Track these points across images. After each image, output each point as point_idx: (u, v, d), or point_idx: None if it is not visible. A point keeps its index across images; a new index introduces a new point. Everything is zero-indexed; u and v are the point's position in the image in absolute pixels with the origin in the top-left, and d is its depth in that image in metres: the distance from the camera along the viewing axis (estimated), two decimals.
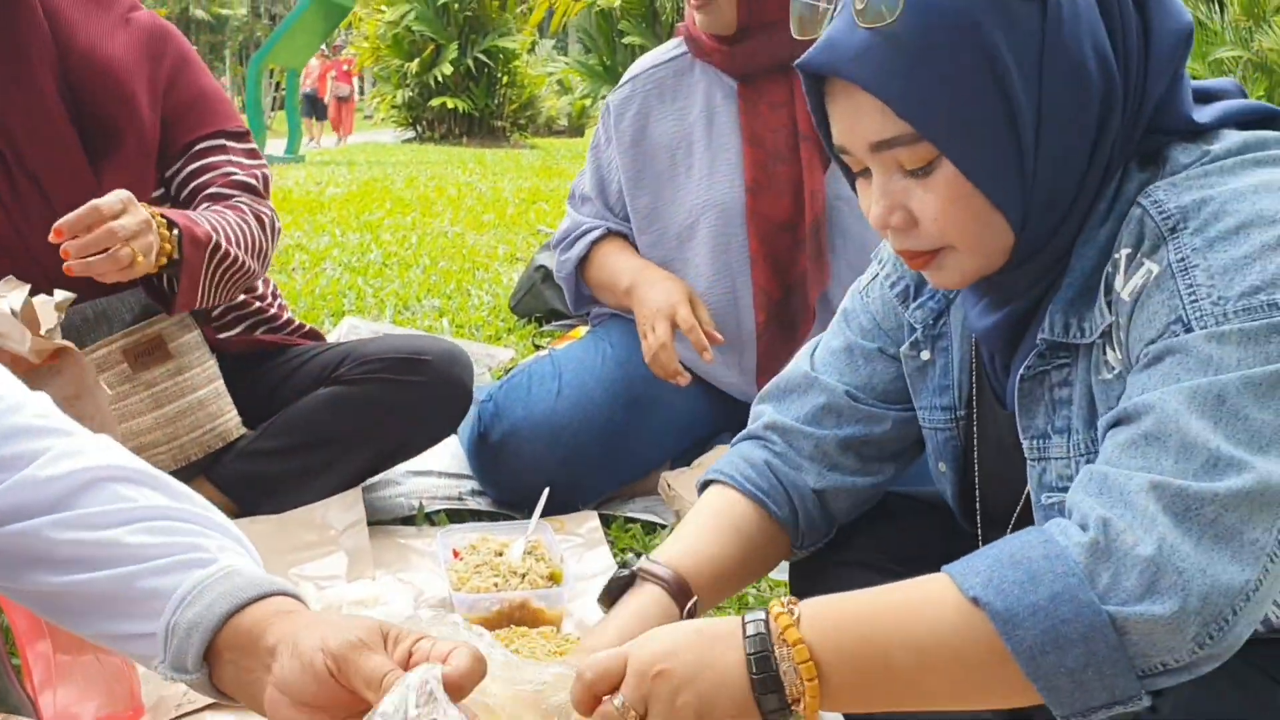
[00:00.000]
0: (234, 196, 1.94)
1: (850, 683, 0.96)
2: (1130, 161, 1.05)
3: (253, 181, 1.97)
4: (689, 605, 1.18)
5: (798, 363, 1.37)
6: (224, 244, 1.83)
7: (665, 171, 2.23)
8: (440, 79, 16.94)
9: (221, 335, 2.07)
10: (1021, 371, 1.10)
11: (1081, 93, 1.00)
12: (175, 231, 1.77)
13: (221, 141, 1.98)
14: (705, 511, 1.29)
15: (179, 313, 1.88)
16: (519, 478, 2.13)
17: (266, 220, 1.95)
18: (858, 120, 1.02)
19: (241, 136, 2.02)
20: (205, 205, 1.92)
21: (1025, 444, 1.13)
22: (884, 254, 1.33)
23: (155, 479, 1.04)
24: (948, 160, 1.00)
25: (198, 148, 1.96)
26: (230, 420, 1.99)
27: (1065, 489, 1.09)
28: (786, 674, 0.95)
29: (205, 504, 1.05)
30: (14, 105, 1.83)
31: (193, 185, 1.95)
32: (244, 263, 1.88)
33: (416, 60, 17.12)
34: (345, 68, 20.42)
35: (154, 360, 1.92)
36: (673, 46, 2.29)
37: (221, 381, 2.00)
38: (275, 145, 13.59)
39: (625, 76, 2.33)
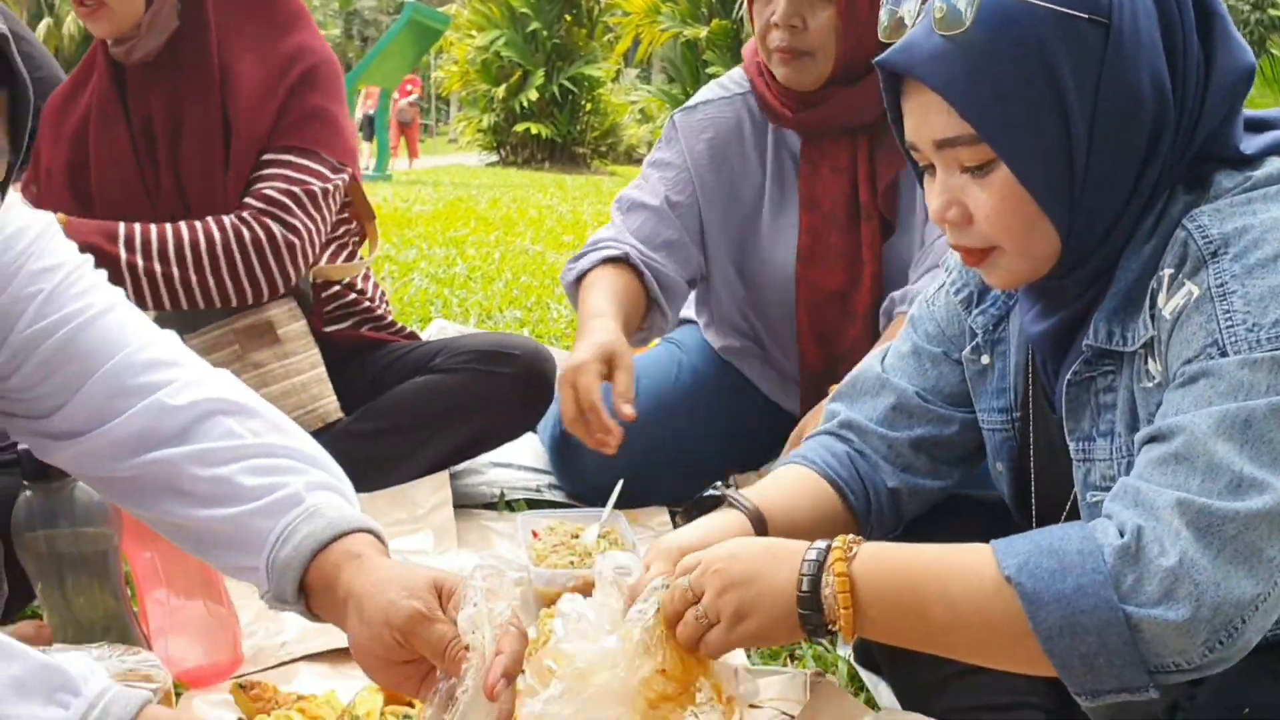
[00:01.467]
0: (251, 208, 2.01)
1: (885, 620, 1.08)
2: (1177, 184, 1.12)
3: (281, 197, 2.02)
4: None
5: (869, 364, 1.46)
6: (129, 258, 1.91)
7: (736, 215, 2.14)
8: (525, 104, 17.23)
9: (329, 328, 2.23)
10: (1069, 377, 1.18)
11: (1134, 116, 1.08)
12: None
13: (287, 156, 2.06)
14: (786, 477, 1.38)
15: None
16: (594, 476, 2.21)
17: (251, 237, 1.98)
18: (926, 118, 1.11)
19: (309, 154, 2.06)
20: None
21: (1071, 446, 1.21)
22: (951, 263, 1.41)
23: (261, 412, 1.18)
24: (1003, 164, 1.09)
25: (265, 157, 2.05)
26: (329, 404, 2.13)
27: (1109, 489, 1.16)
28: (828, 599, 1.07)
29: (302, 435, 1.18)
30: (187, 121, 2.03)
31: (247, 194, 2.04)
32: (177, 275, 1.94)
33: (503, 85, 17.44)
34: (408, 88, 19.19)
35: (263, 343, 2.08)
36: (741, 79, 2.16)
37: (324, 368, 2.14)
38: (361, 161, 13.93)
39: (695, 101, 2.20)
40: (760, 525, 1.28)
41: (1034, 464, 1.33)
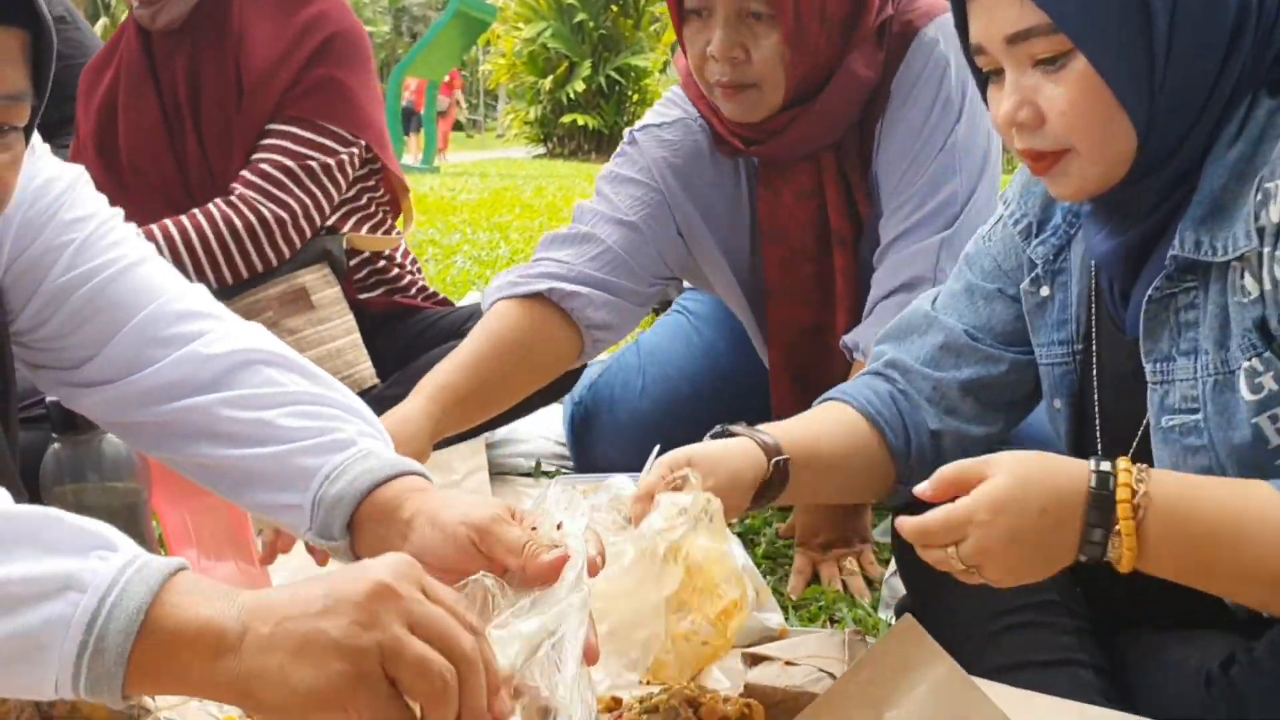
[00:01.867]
0: (244, 184, 2.02)
1: (1163, 572, 1.02)
2: (1260, 87, 1.07)
3: (276, 173, 2.02)
4: (778, 459, 1.24)
5: (918, 304, 1.42)
6: None
7: (717, 244, 1.93)
8: (572, 96, 17.26)
9: (362, 295, 2.23)
10: (1150, 293, 1.13)
11: (1216, 9, 1.03)
12: None
13: (291, 129, 2.05)
14: (819, 411, 1.35)
15: None
16: (610, 461, 2.10)
17: (244, 224, 1.99)
18: (996, 13, 1.07)
19: (315, 127, 2.05)
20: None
21: (1148, 368, 1.15)
22: (1009, 194, 1.36)
23: (301, 365, 1.17)
24: (1080, 54, 1.04)
25: (269, 127, 2.05)
26: (365, 370, 2.12)
27: (1190, 410, 1.11)
28: (1115, 547, 1.01)
29: (343, 389, 1.17)
30: (206, 89, 2.04)
31: (246, 166, 2.05)
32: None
33: (550, 77, 17.49)
34: (446, 79, 18.23)
35: (298, 309, 2.07)
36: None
37: (358, 335, 2.14)
38: (409, 156, 14.05)
39: (656, 119, 1.94)
40: (776, 454, 1.24)
41: (1098, 395, 1.27)
